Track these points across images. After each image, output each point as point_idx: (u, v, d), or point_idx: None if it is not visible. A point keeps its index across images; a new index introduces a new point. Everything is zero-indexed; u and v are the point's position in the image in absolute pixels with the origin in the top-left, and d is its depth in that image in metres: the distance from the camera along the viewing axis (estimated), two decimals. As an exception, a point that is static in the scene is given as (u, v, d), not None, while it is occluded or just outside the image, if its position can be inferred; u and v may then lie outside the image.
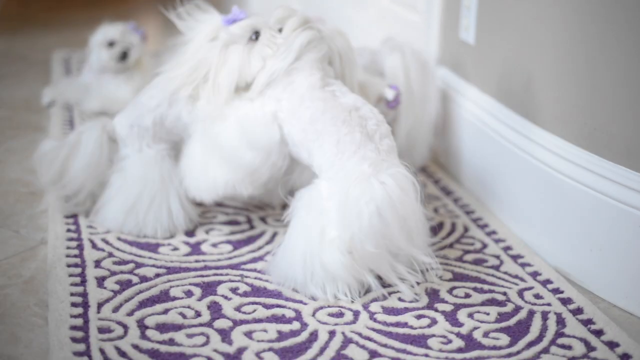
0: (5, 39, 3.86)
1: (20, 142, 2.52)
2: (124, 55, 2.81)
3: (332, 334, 1.55)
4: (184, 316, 1.58)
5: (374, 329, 1.57)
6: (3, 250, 1.84)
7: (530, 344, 1.54)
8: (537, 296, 1.71)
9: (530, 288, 1.75)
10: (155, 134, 1.95)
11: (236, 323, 1.57)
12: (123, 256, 1.81)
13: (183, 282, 1.71)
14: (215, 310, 1.61)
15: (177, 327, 1.55)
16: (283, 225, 1.93)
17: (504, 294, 1.72)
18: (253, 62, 1.84)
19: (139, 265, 1.78)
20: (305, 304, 1.65)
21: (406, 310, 1.65)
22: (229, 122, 1.82)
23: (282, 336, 1.53)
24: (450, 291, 1.72)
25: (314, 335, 1.54)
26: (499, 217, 2.09)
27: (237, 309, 1.62)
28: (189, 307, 1.62)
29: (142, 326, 1.54)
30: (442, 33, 2.50)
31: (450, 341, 1.54)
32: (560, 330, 1.59)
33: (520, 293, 1.72)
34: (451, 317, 1.62)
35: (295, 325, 1.57)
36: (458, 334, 1.57)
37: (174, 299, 1.65)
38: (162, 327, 1.54)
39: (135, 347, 1.47)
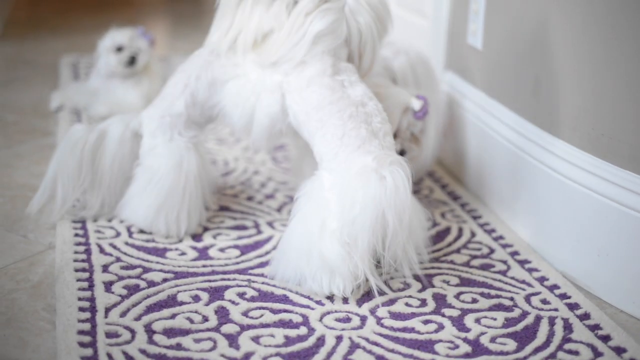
0: (14, 43, 3.87)
1: (28, 147, 2.52)
2: (132, 60, 2.82)
3: (339, 339, 1.55)
4: (191, 321, 1.58)
5: (381, 334, 1.57)
6: (11, 254, 1.84)
7: (537, 350, 1.54)
8: (544, 301, 1.71)
9: (538, 293, 1.75)
10: (189, 117, 1.95)
11: (243, 328, 1.57)
12: (131, 261, 1.82)
13: (190, 287, 1.72)
14: (223, 315, 1.61)
15: (185, 332, 1.55)
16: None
17: (511, 299, 1.72)
18: (269, 21, 1.84)
19: (146, 270, 1.78)
20: (312, 309, 1.65)
21: (413, 315, 1.65)
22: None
23: (289, 341, 1.53)
24: (457, 296, 1.72)
25: (321, 341, 1.54)
26: (506, 222, 2.09)
27: (245, 313, 1.62)
28: (196, 312, 1.62)
29: (149, 331, 1.54)
30: (450, 38, 2.50)
31: (457, 346, 1.54)
32: (568, 336, 1.59)
33: (528, 298, 1.72)
34: (458, 323, 1.62)
35: (303, 330, 1.57)
36: (465, 339, 1.56)
37: (182, 303, 1.65)
38: (169, 332, 1.55)
39: (143, 352, 1.48)
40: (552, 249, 1.88)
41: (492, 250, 1.94)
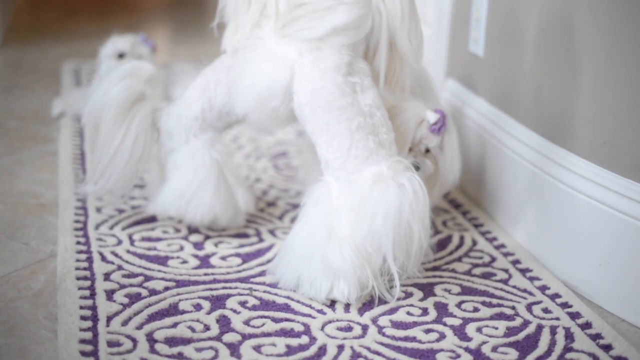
0: (15, 49, 3.88)
1: (30, 154, 2.53)
2: (133, 67, 2.81)
3: (340, 348, 1.55)
4: (192, 330, 1.58)
5: (382, 343, 1.57)
6: (13, 262, 1.85)
7: (539, 359, 1.54)
8: (546, 310, 1.71)
9: (539, 302, 1.75)
10: (204, 121, 1.95)
11: (245, 337, 1.57)
12: (132, 269, 1.82)
13: (192, 295, 1.72)
14: (224, 324, 1.61)
15: (186, 341, 1.55)
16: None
17: (513, 308, 1.72)
18: None
19: (148, 278, 1.78)
20: (314, 317, 1.65)
21: (415, 324, 1.65)
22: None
23: (290, 350, 1.53)
24: (458, 305, 1.72)
25: (322, 350, 1.54)
26: (507, 230, 2.09)
27: (246, 322, 1.62)
28: (198, 320, 1.62)
29: (151, 340, 1.54)
30: (452, 45, 2.51)
31: (458, 356, 1.54)
32: (569, 345, 1.59)
33: (529, 307, 1.72)
34: (460, 332, 1.62)
35: (304, 339, 1.57)
36: (466, 349, 1.56)
37: (183, 312, 1.65)
38: (171, 341, 1.55)
39: (144, 361, 1.48)
40: (554, 257, 1.88)
41: (493, 259, 1.94)
